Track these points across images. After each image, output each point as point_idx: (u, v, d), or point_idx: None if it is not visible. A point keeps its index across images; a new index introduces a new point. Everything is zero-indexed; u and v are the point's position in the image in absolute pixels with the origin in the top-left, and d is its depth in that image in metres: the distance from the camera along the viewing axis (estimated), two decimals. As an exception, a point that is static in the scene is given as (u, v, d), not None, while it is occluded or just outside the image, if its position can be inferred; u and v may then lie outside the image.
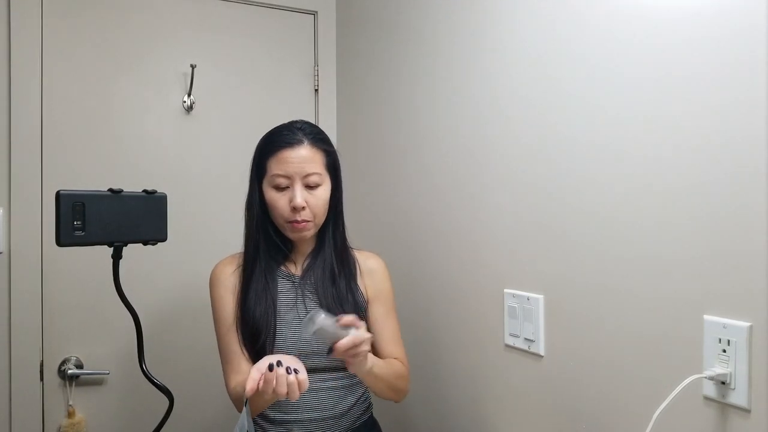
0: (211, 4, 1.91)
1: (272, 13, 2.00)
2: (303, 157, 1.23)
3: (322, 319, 1.02)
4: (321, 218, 1.28)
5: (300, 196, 1.22)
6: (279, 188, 1.24)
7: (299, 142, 1.24)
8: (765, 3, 0.78)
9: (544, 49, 1.17)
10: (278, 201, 1.24)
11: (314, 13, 2.05)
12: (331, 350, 1.05)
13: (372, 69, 1.84)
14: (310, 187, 1.24)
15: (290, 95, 2.02)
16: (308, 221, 1.25)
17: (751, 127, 0.80)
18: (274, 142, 1.26)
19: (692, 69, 0.88)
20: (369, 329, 1.33)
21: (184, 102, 1.86)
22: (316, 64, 2.05)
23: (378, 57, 1.81)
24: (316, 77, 2.05)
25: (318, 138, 1.28)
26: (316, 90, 2.05)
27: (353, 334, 1.05)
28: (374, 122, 1.83)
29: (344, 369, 1.26)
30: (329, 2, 2.07)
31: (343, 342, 1.04)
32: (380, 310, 1.33)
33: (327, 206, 1.28)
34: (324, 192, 1.27)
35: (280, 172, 1.23)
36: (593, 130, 1.06)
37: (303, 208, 1.23)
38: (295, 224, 1.24)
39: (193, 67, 1.82)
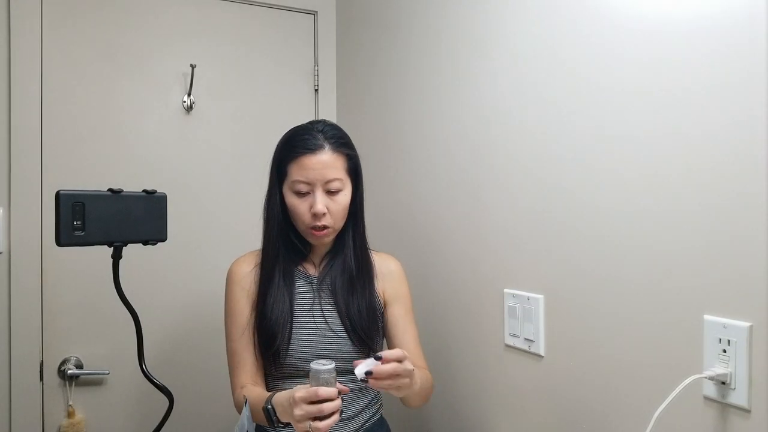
0: (211, 5, 1.91)
1: (272, 13, 2.00)
2: (324, 163, 1.20)
3: (318, 368, 1.01)
4: (340, 223, 1.26)
5: (321, 202, 1.20)
6: (300, 194, 1.22)
7: (320, 148, 1.21)
8: (765, 4, 0.78)
9: (546, 47, 1.17)
10: (299, 207, 1.22)
11: (314, 13, 2.05)
12: (369, 373, 1.02)
13: (372, 69, 1.84)
14: (331, 192, 1.22)
15: (290, 95, 2.02)
16: (328, 227, 1.23)
17: (751, 127, 0.80)
18: (295, 146, 1.23)
19: (692, 70, 0.88)
20: (389, 331, 1.32)
21: (184, 102, 1.86)
22: (316, 64, 2.05)
23: (378, 57, 1.81)
24: (316, 77, 2.05)
25: (340, 142, 1.25)
26: (316, 90, 2.05)
27: (393, 366, 1.02)
28: (374, 122, 1.83)
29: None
30: (329, 2, 2.07)
31: (384, 368, 1.01)
32: (400, 312, 1.32)
33: (347, 211, 1.27)
34: (344, 197, 1.24)
35: (300, 178, 1.21)
36: (594, 130, 1.06)
37: (324, 214, 1.21)
38: (315, 231, 1.23)
39: (193, 67, 1.82)
